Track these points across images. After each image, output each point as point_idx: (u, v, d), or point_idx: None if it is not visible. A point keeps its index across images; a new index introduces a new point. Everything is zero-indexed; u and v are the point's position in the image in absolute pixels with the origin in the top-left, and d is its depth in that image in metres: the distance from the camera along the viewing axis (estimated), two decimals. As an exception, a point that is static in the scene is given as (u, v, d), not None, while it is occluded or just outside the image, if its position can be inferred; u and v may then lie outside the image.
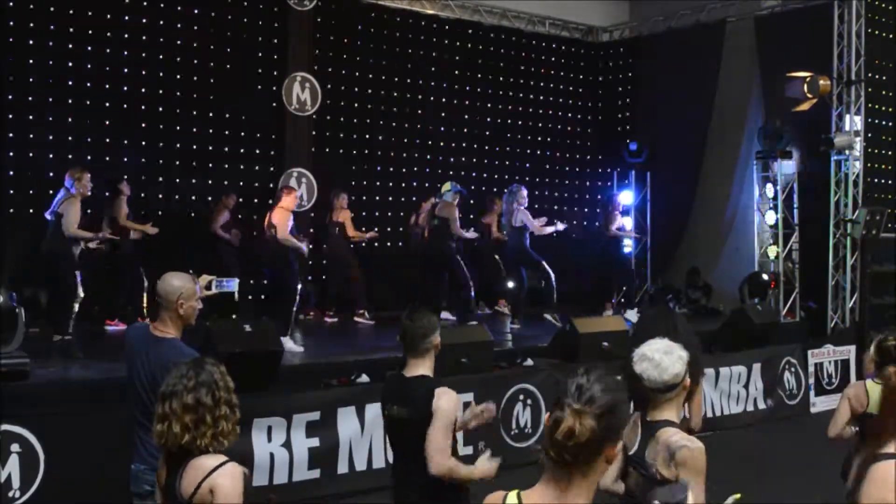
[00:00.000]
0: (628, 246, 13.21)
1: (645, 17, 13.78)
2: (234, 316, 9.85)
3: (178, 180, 10.68)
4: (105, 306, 9.51)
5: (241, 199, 10.72)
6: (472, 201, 12.62)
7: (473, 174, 13.05)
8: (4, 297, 6.27)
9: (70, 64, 9.89)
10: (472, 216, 12.05)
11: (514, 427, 7.66)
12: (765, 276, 11.85)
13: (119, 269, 9.38)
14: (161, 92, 10.41)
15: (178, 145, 10.61)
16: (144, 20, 10.21)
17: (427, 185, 11.82)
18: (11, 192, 9.50)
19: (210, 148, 10.72)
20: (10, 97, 9.38)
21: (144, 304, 9.26)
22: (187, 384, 3.02)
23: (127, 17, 10.22)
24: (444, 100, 12.92)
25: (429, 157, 12.64)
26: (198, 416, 2.97)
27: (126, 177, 9.51)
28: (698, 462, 3.14)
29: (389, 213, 12.15)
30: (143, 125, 10.33)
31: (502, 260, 11.25)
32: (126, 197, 9.41)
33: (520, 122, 13.70)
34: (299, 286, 8.60)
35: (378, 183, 12.11)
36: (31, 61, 9.65)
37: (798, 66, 11.17)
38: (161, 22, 10.24)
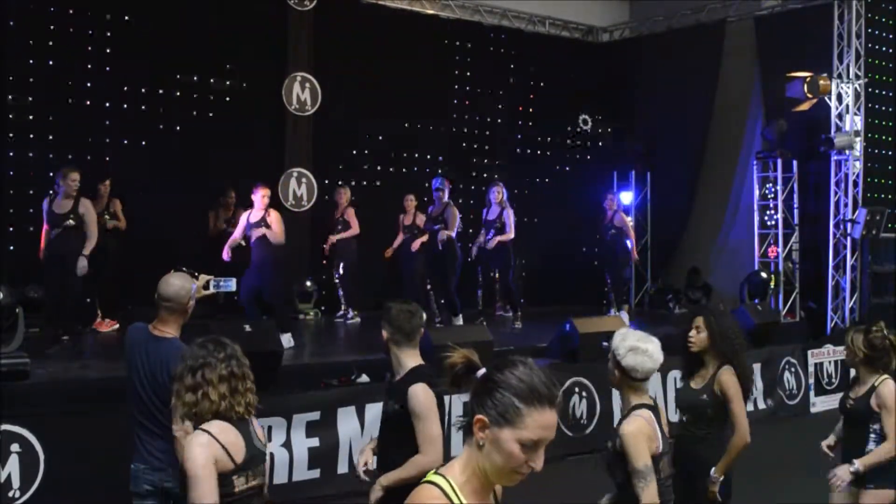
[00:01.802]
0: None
1: (645, 17, 13.78)
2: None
3: (177, 180, 10.67)
4: (102, 306, 9.52)
5: (240, 199, 10.72)
6: (472, 202, 12.64)
7: (473, 174, 13.06)
8: (5, 294, 6.27)
9: (70, 64, 9.89)
10: (472, 216, 12.05)
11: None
12: (764, 276, 11.85)
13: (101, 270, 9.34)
14: (161, 92, 10.41)
15: (178, 145, 10.61)
16: (144, 20, 10.21)
17: (427, 184, 11.81)
18: (12, 191, 9.51)
19: (210, 148, 10.71)
20: (10, 97, 9.39)
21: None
22: (219, 356, 3.16)
23: (127, 17, 10.22)
24: (444, 100, 12.92)
25: (429, 156, 12.65)
26: (231, 385, 3.11)
27: (108, 179, 9.50)
28: None
29: (389, 213, 12.14)
30: (144, 125, 10.32)
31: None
32: (104, 198, 9.38)
33: (520, 122, 13.70)
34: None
35: (378, 183, 12.11)
36: (31, 61, 9.66)
37: (798, 66, 11.18)
38: (161, 22, 10.23)
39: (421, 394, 3.66)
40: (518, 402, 1.99)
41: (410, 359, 3.85)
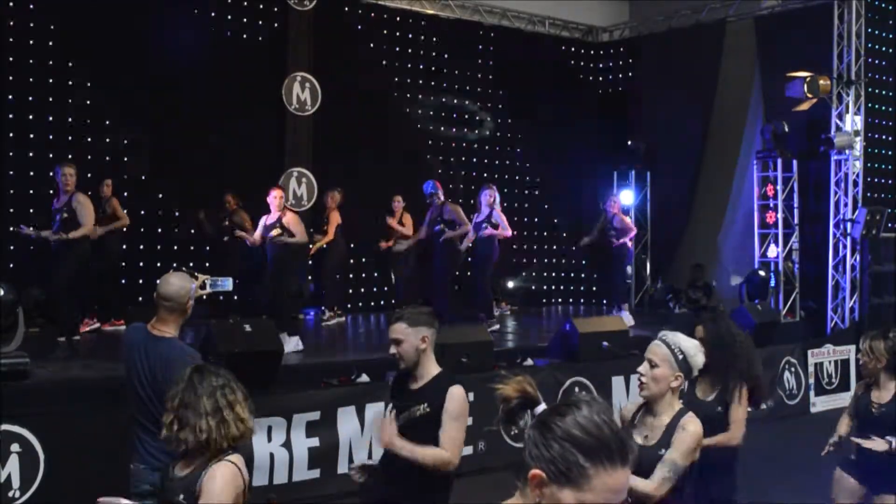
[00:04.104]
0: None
1: (645, 17, 13.78)
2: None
3: (177, 180, 10.67)
4: (103, 306, 9.52)
5: (241, 199, 10.71)
6: (472, 202, 12.62)
7: (473, 174, 13.06)
8: (6, 292, 6.27)
9: (70, 64, 9.89)
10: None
11: (514, 427, 7.63)
12: (764, 276, 11.84)
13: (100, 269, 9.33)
14: (161, 92, 10.40)
15: (177, 145, 10.61)
16: (144, 20, 10.20)
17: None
18: (12, 191, 9.52)
19: (210, 148, 10.71)
20: (10, 97, 9.39)
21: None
22: (229, 375, 3.04)
23: (127, 18, 10.21)
24: (444, 100, 12.92)
25: (428, 157, 12.65)
26: (247, 409, 3.03)
27: (109, 180, 9.50)
28: None
29: (389, 213, 12.14)
30: (143, 125, 10.32)
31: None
32: (105, 198, 9.37)
33: (519, 122, 13.70)
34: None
35: (378, 183, 12.10)
36: (31, 61, 9.66)
37: (798, 66, 11.17)
38: (161, 22, 10.23)
39: (461, 396, 3.63)
40: (583, 461, 1.66)
41: (435, 364, 3.76)
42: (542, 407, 1.82)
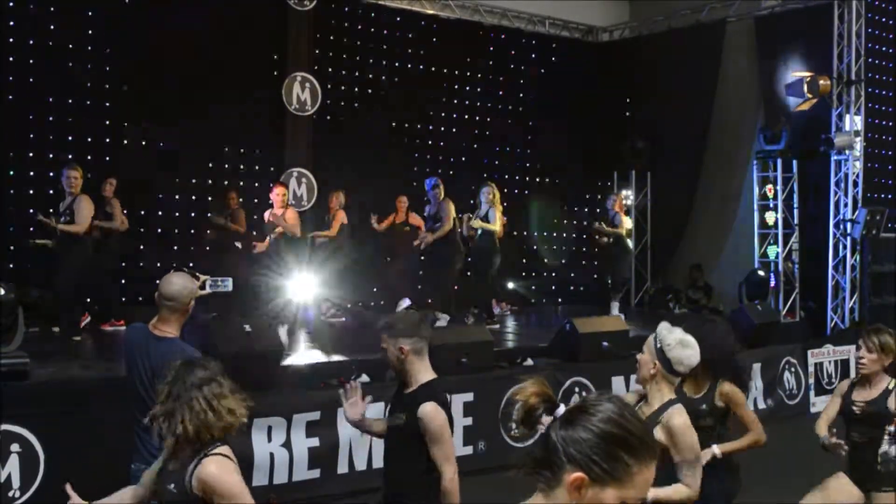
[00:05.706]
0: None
1: (645, 17, 13.78)
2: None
3: (177, 180, 10.67)
4: (104, 306, 9.52)
5: (241, 199, 10.71)
6: (472, 201, 12.62)
7: (473, 174, 13.04)
8: (6, 291, 6.26)
9: (70, 64, 9.88)
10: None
11: (514, 427, 7.63)
12: (763, 276, 11.84)
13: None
14: (161, 92, 10.40)
15: (177, 145, 10.60)
16: (144, 20, 10.20)
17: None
18: (12, 191, 9.51)
19: (210, 148, 10.71)
20: (10, 97, 9.38)
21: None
22: (220, 369, 3.07)
23: (127, 18, 10.22)
24: (444, 100, 12.91)
25: (429, 157, 12.64)
26: (237, 398, 3.05)
27: (112, 179, 9.49)
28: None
29: (389, 213, 12.14)
30: (143, 125, 10.32)
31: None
32: (108, 197, 9.37)
33: (519, 122, 13.69)
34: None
35: (378, 183, 12.10)
36: (31, 61, 9.66)
37: (798, 66, 11.18)
38: (161, 22, 10.23)
39: (433, 415, 3.54)
40: (628, 458, 1.70)
41: (426, 371, 3.70)
42: (561, 408, 1.80)
